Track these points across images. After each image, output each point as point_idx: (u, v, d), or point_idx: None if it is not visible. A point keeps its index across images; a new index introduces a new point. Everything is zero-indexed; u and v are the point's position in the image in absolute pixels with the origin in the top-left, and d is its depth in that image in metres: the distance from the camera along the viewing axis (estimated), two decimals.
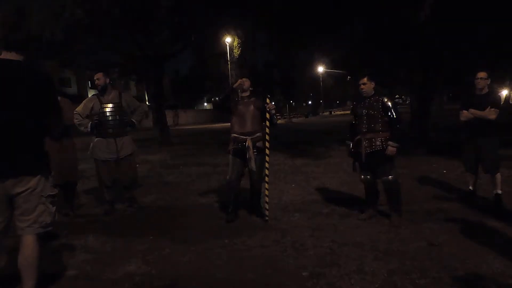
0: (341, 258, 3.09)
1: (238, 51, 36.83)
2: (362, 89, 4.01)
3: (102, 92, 4.60)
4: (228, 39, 32.90)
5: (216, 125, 33.35)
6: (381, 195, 4.15)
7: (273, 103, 4.37)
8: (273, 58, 40.56)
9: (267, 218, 4.16)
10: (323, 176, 6.77)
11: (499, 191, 4.41)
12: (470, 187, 4.73)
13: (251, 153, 4.05)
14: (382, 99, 3.91)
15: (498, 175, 4.41)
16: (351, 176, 6.34)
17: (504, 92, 45.00)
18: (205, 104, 57.18)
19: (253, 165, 4.07)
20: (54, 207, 2.51)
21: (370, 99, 3.98)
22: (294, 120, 39.68)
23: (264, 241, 3.57)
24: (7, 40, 2.33)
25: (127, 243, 3.65)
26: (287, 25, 12.17)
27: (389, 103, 3.89)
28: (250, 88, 4.32)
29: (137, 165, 5.18)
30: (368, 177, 4.05)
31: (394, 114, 3.86)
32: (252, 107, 4.19)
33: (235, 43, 36.19)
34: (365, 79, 3.98)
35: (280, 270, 2.94)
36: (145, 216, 4.68)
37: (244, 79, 4.34)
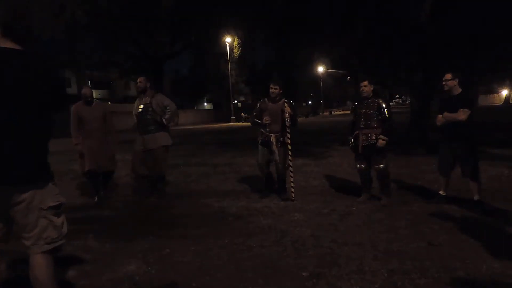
0: (341, 258, 3.09)
1: (238, 51, 36.88)
2: (363, 90, 4.66)
3: (141, 94, 5.23)
4: (228, 39, 33.00)
5: (216, 125, 33.33)
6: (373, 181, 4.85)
7: (293, 104, 5.12)
8: (273, 58, 40.58)
9: (293, 199, 4.99)
10: (323, 176, 6.77)
11: (477, 197, 4.27)
12: (441, 192, 4.59)
13: (274, 148, 4.88)
14: (378, 100, 4.56)
15: (477, 182, 4.25)
16: (351, 176, 6.35)
17: (504, 92, 45.11)
18: (205, 104, 57.07)
19: (277, 157, 4.91)
20: (61, 218, 2.14)
21: (368, 100, 4.64)
22: None
23: (264, 241, 3.57)
24: (7, 26, 1.97)
25: (127, 243, 3.65)
26: (286, 26, 12.17)
27: (384, 104, 4.55)
28: (280, 91, 4.94)
29: (165, 161, 5.40)
30: (363, 166, 4.76)
31: (386, 113, 4.54)
32: (279, 109, 4.88)
33: (235, 43, 36.26)
34: (365, 82, 4.64)
35: (280, 270, 2.94)
36: (145, 216, 4.69)
37: (275, 86, 4.90)
